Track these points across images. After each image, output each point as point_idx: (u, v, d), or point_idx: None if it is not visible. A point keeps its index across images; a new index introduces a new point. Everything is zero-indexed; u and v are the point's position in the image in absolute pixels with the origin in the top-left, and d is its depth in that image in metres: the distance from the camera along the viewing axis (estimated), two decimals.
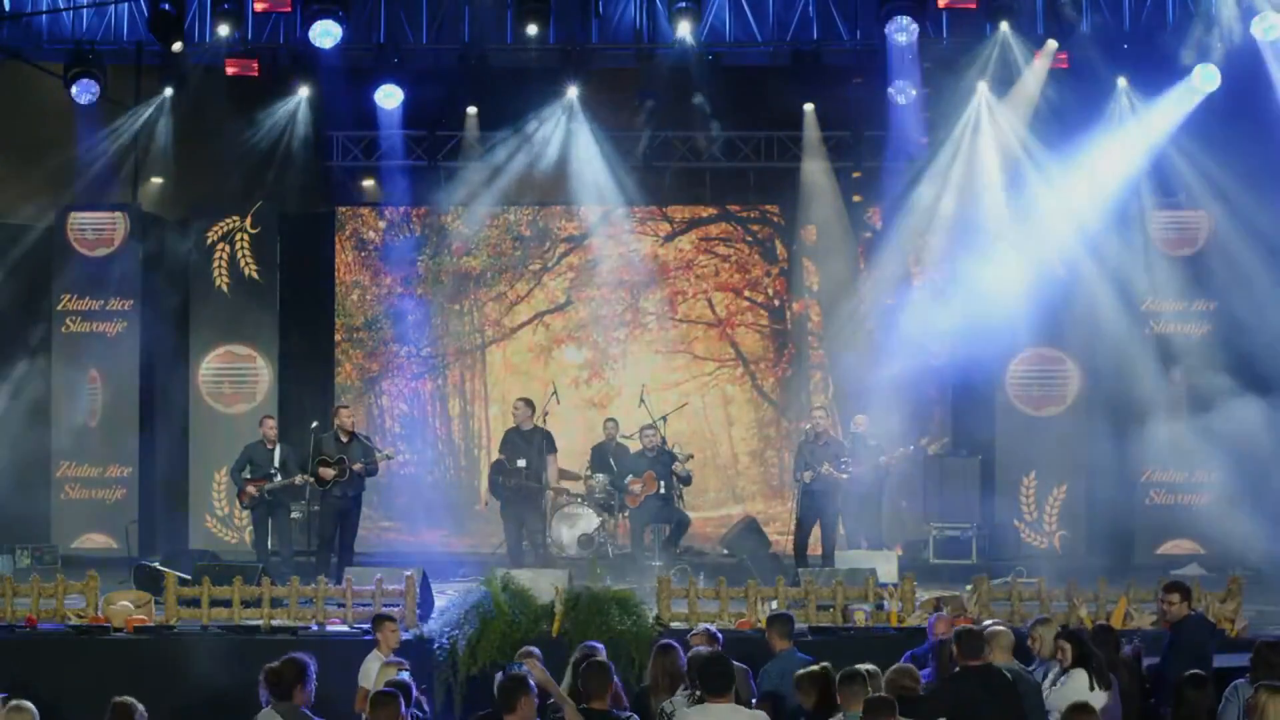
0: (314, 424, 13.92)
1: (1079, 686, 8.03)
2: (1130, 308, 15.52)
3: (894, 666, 7.97)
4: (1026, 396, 15.98)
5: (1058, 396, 15.95)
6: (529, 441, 13.90)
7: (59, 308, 16.20)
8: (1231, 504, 13.91)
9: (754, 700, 8.21)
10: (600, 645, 8.76)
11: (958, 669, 8.03)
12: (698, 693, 7.42)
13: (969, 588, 11.20)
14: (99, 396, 16.09)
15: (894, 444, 14.66)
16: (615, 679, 7.62)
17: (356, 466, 13.40)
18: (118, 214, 16.23)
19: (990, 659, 8.10)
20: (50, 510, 16.01)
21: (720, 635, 8.99)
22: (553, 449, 14.08)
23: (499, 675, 7.75)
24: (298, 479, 13.42)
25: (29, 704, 6.99)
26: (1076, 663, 8.20)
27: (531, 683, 7.16)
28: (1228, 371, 14.85)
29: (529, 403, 14.24)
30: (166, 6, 14.66)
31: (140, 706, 7.08)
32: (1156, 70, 15.29)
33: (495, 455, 14.38)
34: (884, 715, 6.94)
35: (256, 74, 15.77)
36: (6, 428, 15.62)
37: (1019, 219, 15.72)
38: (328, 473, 13.31)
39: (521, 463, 13.79)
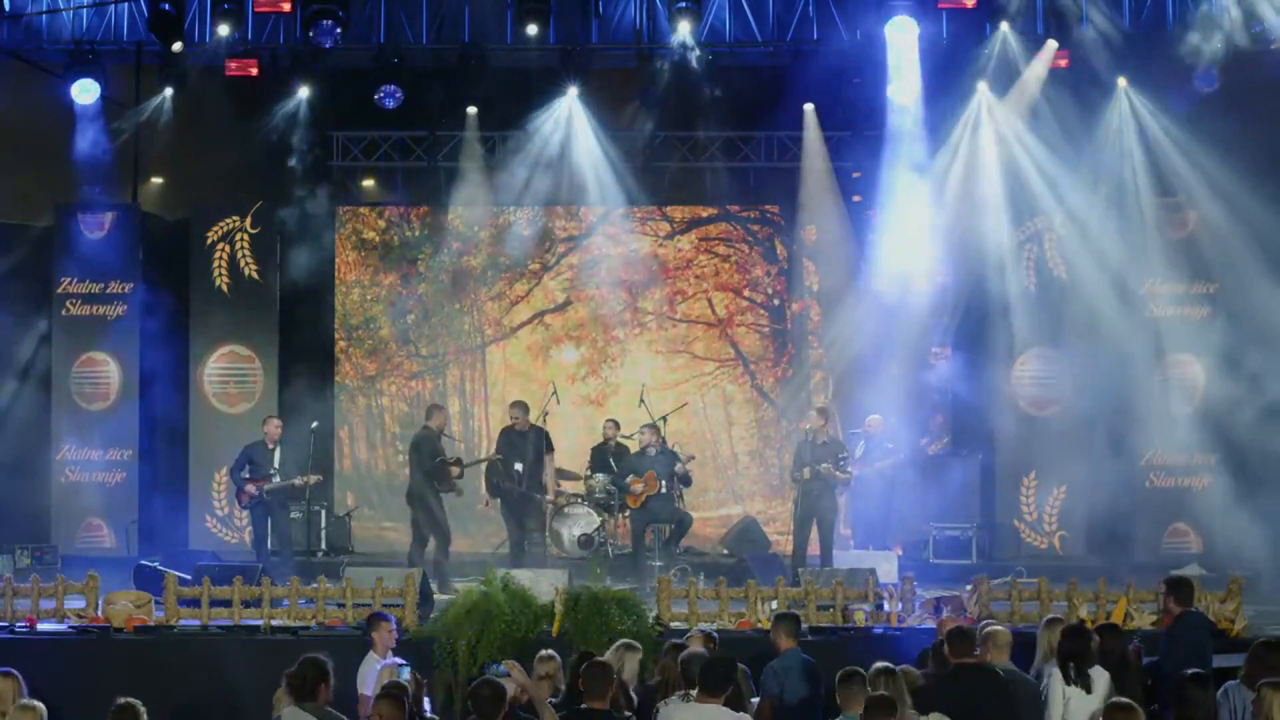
0: (314, 424, 13.91)
1: (1055, 682, 8.04)
2: (1129, 294, 15.50)
3: (903, 667, 8.00)
4: (1026, 396, 15.98)
5: (1058, 396, 15.94)
6: (525, 440, 13.91)
7: (59, 290, 16.23)
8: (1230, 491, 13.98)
9: (754, 699, 8.21)
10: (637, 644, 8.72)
11: (952, 667, 8.04)
12: (693, 692, 7.41)
13: (969, 588, 11.21)
14: (113, 380, 16.11)
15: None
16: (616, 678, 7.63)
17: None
18: (115, 213, 16.26)
19: (987, 658, 8.12)
20: (50, 495, 16.05)
21: (717, 636, 9.00)
22: (550, 448, 14.12)
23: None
24: (297, 480, 13.45)
25: (39, 703, 7.01)
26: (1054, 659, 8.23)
27: (503, 685, 7.16)
28: (1227, 354, 14.86)
29: (523, 405, 14.19)
30: (166, 6, 14.63)
31: (142, 707, 7.08)
32: (1156, 70, 15.29)
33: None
34: (883, 715, 6.94)
35: (256, 74, 15.76)
36: (7, 414, 15.65)
37: (1019, 218, 15.74)
38: (456, 469, 13.72)
39: (519, 466, 13.80)
